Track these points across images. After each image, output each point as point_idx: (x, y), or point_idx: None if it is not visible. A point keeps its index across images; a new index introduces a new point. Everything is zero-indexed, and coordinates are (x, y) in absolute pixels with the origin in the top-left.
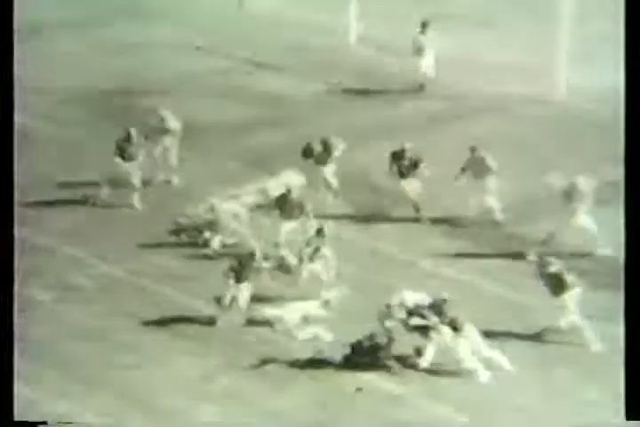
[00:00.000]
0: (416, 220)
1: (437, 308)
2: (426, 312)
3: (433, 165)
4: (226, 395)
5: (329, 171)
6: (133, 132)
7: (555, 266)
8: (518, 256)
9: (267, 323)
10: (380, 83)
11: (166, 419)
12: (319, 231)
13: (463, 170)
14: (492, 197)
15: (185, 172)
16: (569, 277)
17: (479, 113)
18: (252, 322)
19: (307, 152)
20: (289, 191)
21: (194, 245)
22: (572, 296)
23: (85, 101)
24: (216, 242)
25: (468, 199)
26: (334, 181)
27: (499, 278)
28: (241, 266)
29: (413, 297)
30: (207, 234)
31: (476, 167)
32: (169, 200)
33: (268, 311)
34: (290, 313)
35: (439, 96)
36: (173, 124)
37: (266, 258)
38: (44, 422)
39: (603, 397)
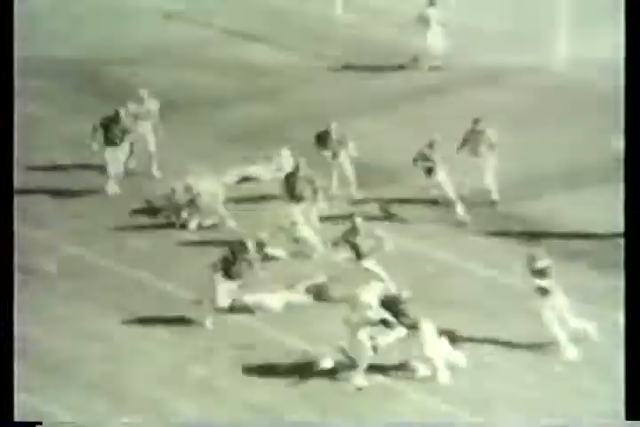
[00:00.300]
0: (407, 201)
1: (394, 304)
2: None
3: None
4: (204, 388)
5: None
6: (122, 112)
7: (543, 262)
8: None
9: (247, 310)
10: (370, 53)
11: (144, 414)
12: (352, 228)
13: (464, 143)
14: (491, 175)
15: (161, 152)
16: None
17: (476, 84)
18: (231, 309)
19: (321, 138)
20: (297, 169)
21: (170, 226)
22: (553, 298)
23: (48, 72)
24: (194, 223)
25: (464, 176)
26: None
27: (491, 260)
28: (233, 260)
29: (374, 291)
30: (185, 214)
31: (475, 141)
32: (144, 182)
33: (248, 298)
34: (272, 300)
35: (434, 67)
36: (153, 105)
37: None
38: (40, 423)
39: (601, 392)
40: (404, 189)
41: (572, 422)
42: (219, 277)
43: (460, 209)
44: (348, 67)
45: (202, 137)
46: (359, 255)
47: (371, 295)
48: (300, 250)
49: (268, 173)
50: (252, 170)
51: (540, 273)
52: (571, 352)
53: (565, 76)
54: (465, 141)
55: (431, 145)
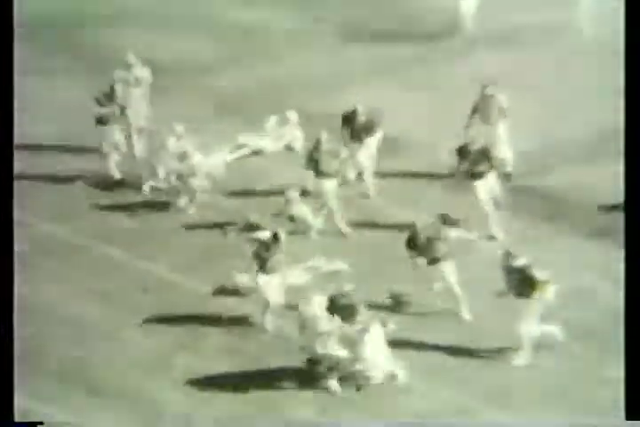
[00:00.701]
0: (414, 175)
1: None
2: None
3: (436, 108)
4: (191, 378)
5: (363, 152)
6: (118, 86)
7: (521, 259)
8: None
9: (237, 292)
10: (374, 14)
11: (120, 405)
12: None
13: (474, 111)
14: (504, 145)
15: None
16: (538, 274)
17: (493, 46)
18: (221, 291)
19: (349, 118)
20: (318, 143)
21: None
22: (541, 299)
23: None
24: (183, 201)
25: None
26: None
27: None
28: (267, 255)
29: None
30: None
31: (485, 108)
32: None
33: (240, 279)
34: (268, 282)
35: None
36: (143, 72)
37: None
38: (41, 423)
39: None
40: (412, 162)
41: (572, 422)
42: (260, 275)
43: (493, 227)
44: (353, 29)
45: (192, 106)
46: (434, 260)
47: (316, 308)
48: (294, 229)
49: (271, 145)
50: (253, 142)
51: (518, 272)
52: (523, 359)
53: (589, 34)
54: (475, 109)
55: (466, 145)
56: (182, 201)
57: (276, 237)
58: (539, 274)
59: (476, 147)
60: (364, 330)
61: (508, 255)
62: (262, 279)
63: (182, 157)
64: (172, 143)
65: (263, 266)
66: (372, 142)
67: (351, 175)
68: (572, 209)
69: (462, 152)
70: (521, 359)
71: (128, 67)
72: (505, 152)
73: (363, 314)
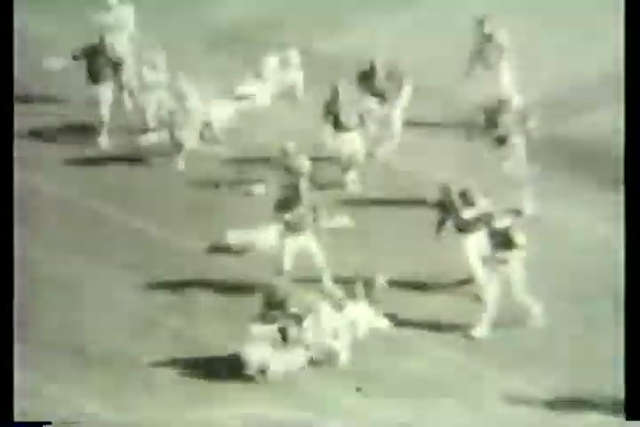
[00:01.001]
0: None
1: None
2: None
3: (430, 49)
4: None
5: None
6: (108, 37)
7: (504, 220)
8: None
9: (230, 250)
10: None
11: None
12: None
13: (474, 53)
14: (511, 89)
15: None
16: (519, 237)
17: None
18: (215, 249)
19: (365, 75)
20: (336, 93)
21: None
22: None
23: None
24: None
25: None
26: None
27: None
28: (288, 208)
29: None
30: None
31: (485, 51)
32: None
33: (233, 236)
34: (263, 239)
35: None
36: (126, 12)
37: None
38: (49, 423)
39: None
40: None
41: (572, 422)
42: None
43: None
44: None
45: (183, 42)
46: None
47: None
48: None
49: (271, 90)
50: (254, 90)
51: (500, 234)
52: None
53: None
54: (474, 53)
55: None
56: (175, 153)
57: (296, 189)
58: (518, 236)
59: (508, 111)
60: (308, 311)
61: (490, 217)
62: (284, 242)
63: (180, 96)
64: (146, 73)
65: (285, 225)
66: (402, 101)
67: (375, 128)
68: (589, 159)
69: (491, 113)
70: (479, 331)
71: (108, 9)
72: (515, 99)
73: (298, 299)
